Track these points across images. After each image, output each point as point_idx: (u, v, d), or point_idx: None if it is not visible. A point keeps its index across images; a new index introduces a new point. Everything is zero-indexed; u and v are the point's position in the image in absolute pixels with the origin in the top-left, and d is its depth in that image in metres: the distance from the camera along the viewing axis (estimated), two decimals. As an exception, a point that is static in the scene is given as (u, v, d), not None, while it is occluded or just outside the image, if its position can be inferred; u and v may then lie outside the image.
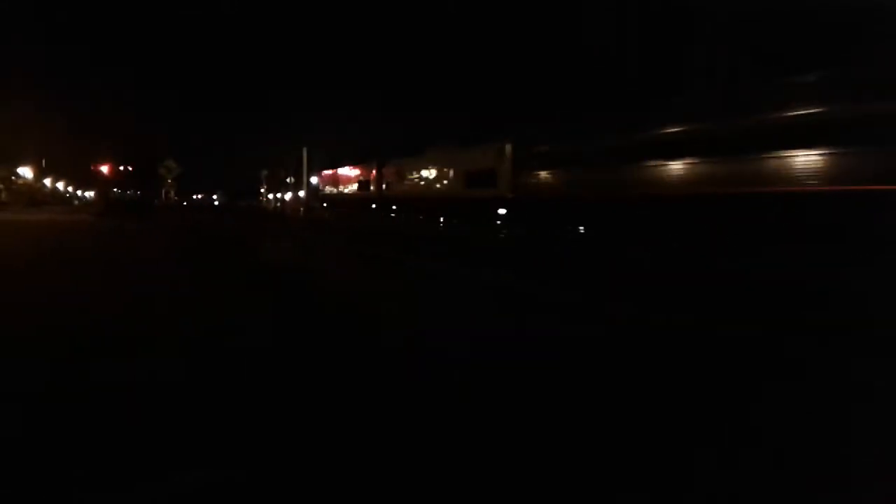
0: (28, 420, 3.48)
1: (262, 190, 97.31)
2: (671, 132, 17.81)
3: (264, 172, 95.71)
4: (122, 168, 56.07)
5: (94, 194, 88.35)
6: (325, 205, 52.34)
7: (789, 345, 5.56)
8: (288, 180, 78.51)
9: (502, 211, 26.34)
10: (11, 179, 59.93)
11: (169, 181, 39.45)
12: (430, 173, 33.96)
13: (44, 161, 76.78)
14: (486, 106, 44.12)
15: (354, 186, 45.98)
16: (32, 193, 64.53)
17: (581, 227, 21.80)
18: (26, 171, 68.60)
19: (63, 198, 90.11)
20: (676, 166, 17.35)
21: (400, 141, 43.72)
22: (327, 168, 54.18)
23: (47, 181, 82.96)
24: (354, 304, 7.51)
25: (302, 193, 63.48)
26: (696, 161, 16.90)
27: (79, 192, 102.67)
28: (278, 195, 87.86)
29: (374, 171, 41.56)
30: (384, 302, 7.60)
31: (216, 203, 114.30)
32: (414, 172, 35.71)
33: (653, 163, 18.20)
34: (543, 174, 24.01)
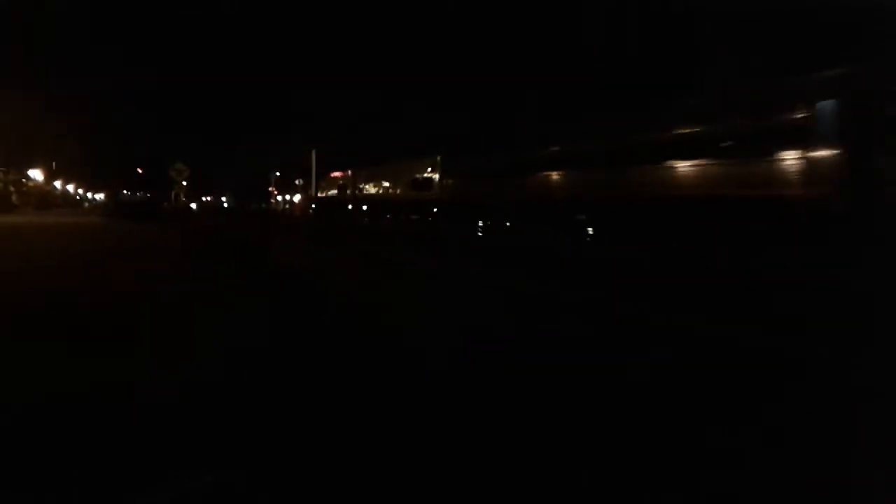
0: (32, 421, 3.49)
1: (272, 191, 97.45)
2: (550, 151, 23.47)
3: (274, 174, 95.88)
4: (131, 170, 56.41)
5: (105, 196, 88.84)
6: (313, 206, 59.16)
7: (789, 345, 5.54)
8: (297, 182, 78.65)
9: (435, 210, 33.73)
10: (22, 182, 60.22)
11: (179, 183, 39.59)
12: (388, 179, 41.46)
13: (54, 163, 77.16)
14: (441, 118, 48.57)
15: (337, 190, 53.68)
16: (43, 196, 64.77)
17: (482, 223, 28.18)
18: (37, 174, 68.94)
19: (73, 200, 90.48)
20: (560, 177, 22.66)
21: (376, 148, 50.21)
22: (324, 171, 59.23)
23: (57, 183, 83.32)
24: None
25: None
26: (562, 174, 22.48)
27: (89, 195, 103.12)
28: (287, 197, 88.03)
29: (350, 176, 49.43)
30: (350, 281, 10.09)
31: (225, 205, 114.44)
32: (378, 178, 43.42)
33: (540, 175, 23.58)
34: (463, 181, 30.66)
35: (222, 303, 7.62)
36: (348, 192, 49.43)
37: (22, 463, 2.94)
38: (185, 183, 40.07)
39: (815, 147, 13.27)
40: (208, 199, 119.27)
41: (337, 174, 52.81)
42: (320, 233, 25.41)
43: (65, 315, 6.43)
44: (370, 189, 44.71)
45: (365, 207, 45.18)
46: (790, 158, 13.73)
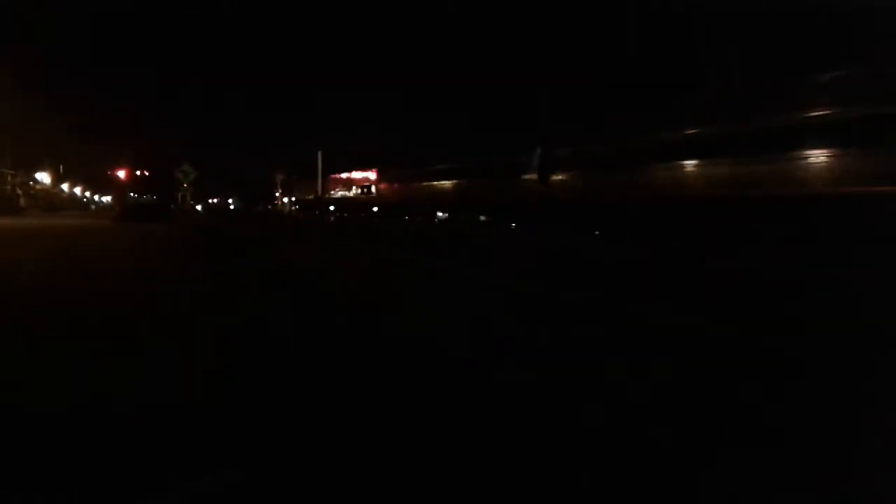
0: (39, 423, 3.47)
1: (277, 194, 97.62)
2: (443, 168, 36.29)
3: (279, 176, 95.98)
4: (138, 172, 56.67)
5: (112, 199, 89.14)
6: (295, 207, 73.05)
7: (789, 344, 5.53)
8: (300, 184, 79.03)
9: (375, 209, 47.68)
10: (29, 185, 60.50)
11: (185, 185, 39.72)
12: (346, 185, 55.47)
13: (61, 166, 77.55)
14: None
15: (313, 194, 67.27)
16: (50, 199, 65.08)
17: (406, 217, 39.91)
18: (44, 177, 69.31)
19: (80, 202, 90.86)
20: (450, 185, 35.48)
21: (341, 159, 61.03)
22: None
23: (65, 186, 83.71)
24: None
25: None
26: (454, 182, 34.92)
27: (95, 197, 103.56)
28: (293, 199, 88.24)
29: (321, 182, 62.36)
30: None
31: (231, 207, 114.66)
32: (340, 184, 57.04)
33: (443, 182, 35.84)
34: (391, 186, 44.75)
35: (222, 301, 7.80)
36: (321, 195, 62.99)
37: (25, 464, 2.94)
38: (190, 185, 40.23)
39: (532, 174, 26.53)
40: (215, 200, 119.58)
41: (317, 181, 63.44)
42: (307, 231, 27.92)
43: (64, 316, 6.51)
44: (335, 193, 58.35)
45: (332, 208, 58.83)
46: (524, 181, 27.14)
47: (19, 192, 50.99)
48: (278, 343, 5.45)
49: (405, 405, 3.89)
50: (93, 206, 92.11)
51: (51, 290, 8.29)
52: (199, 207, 76.54)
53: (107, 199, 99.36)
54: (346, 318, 6.78)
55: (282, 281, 10.09)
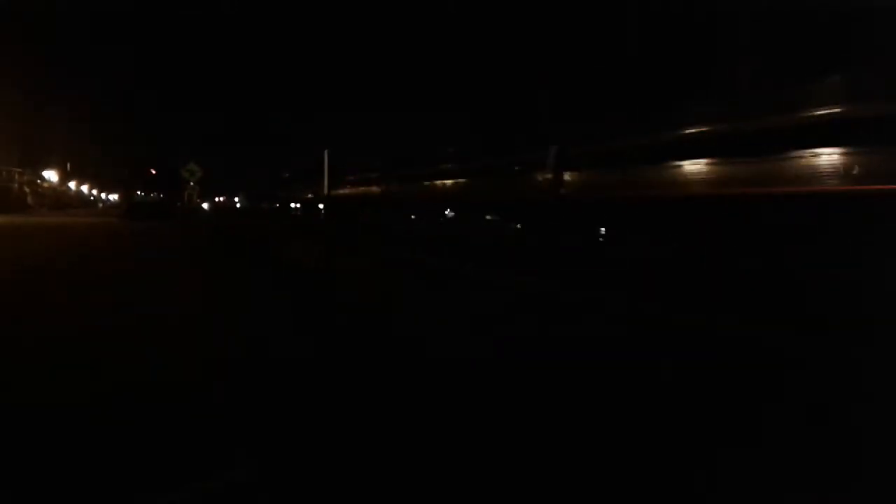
0: (42, 424, 3.49)
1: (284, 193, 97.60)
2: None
3: (286, 175, 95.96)
4: (145, 171, 57.00)
5: (118, 197, 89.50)
6: (277, 205, 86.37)
7: (790, 344, 5.47)
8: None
9: (321, 206, 58.39)
10: (37, 183, 60.69)
11: (191, 184, 39.80)
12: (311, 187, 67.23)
13: (69, 165, 77.81)
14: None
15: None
16: (57, 197, 65.32)
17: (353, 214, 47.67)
18: (51, 175, 69.59)
19: (87, 201, 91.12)
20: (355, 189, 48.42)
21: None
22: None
23: (72, 184, 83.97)
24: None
25: (323, 195, 66.50)
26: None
27: (103, 195, 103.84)
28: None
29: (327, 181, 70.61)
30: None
31: (238, 206, 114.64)
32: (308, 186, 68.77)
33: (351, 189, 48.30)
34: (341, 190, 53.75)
35: (223, 298, 7.97)
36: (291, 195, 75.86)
37: (34, 463, 2.95)
38: (196, 184, 40.31)
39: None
40: (221, 199, 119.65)
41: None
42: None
43: (69, 318, 6.60)
44: (302, 193, 69.13)
45: (299, 205, 70.98)
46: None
47: (27, 190, 51.13)
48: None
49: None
50: (100, 205, 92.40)
51: (50, 290, 8.38)
52: (205, 206, 76.73)
53: (114, 197, 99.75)
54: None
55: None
